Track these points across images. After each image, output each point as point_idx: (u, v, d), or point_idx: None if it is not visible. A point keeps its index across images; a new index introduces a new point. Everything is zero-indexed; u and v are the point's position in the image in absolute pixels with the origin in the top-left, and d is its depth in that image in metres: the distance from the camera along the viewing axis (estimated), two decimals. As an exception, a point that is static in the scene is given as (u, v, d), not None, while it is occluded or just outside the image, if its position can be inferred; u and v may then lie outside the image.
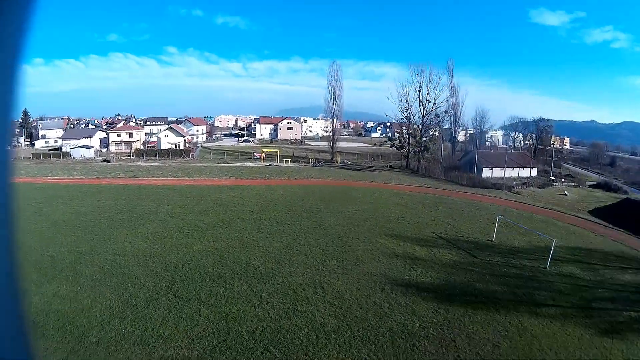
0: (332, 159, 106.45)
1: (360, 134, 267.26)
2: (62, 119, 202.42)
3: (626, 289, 30.15)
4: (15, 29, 2.29)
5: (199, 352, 18.35)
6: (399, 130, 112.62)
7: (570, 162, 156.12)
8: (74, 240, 33.22)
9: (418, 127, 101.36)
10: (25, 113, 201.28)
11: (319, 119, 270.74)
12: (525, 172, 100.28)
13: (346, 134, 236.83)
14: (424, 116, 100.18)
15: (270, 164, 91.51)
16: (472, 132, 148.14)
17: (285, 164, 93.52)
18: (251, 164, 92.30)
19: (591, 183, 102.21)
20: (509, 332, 20.89)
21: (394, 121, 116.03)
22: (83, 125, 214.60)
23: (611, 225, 53.83)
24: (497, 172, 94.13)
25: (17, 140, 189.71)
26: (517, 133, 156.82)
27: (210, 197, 51.48)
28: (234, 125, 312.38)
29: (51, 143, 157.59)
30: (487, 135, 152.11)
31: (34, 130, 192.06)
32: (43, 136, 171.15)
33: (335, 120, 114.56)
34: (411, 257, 30.88)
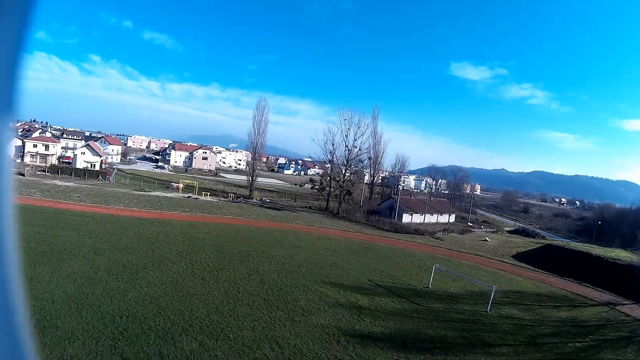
0: (250, 195, 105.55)
1: (272, 170, 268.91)
2: None
3: (565, 324, 34.80)
4: (14, 28, 2.17)
5: None
6: (319, 172, 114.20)
7: (483, 208, 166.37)
8: None
9: (341, 170, 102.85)
10: None
11: (232, 150, 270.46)
12: (443, 219, 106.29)
13: (258, 168, 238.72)
14: (348, 161, 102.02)
15: (188, 196, 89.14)
16: (385, 174, 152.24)
17: (203, 197, 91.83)
18: (169, 194, 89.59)
19: (509, 229, 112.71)
20: (474, 373, 21.17)
21: (308, 159, 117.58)
22: None
23: (536, 269, 60.44)
24: (417, 218, 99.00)
25: None
26: (432, 179, 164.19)
27: (133, 231, 48.59)
28: (147, 147, 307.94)
29: None
30: (400, 179, 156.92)
31: None
32: None
33: (256, 155, 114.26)
34: (355, 307, 30.72)
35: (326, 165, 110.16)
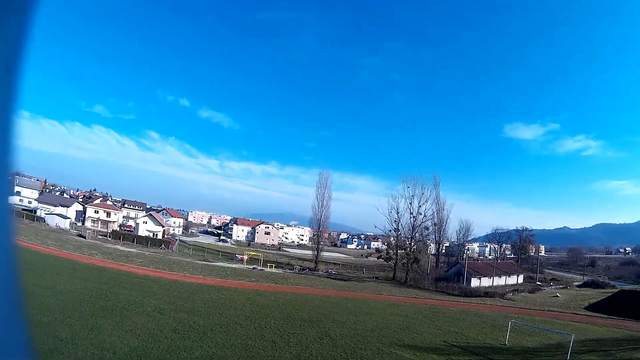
0: (316, 267, 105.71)
1: (335, 244, 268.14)
2: (38, 180, 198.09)
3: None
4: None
5: None
6: (386, 242, 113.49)
7: (550, 267, 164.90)
8: (51, 321, 28.26)
9: (406, 239, 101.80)
10: None
11: (292, 226, 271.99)
12: (512, 280, 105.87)
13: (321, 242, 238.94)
14: (414, 227, 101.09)
15: (253, 268, 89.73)
16: (447, 244, 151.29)
17: (269, 269, 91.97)
18: (234, 265, 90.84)
19: (577, 283, 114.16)
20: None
21: (370, 233, 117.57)
22: (58, 193, 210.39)
23: (609, 316, 59.70)
24: (485, 282, 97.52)
25: None
26: (497, 244, 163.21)
27: (199, 296, 48.30)
28: (208, 222, 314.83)
29: (25, 202, 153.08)
30: (464, 247, 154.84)
31: None
32: (18, 193, 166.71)
33: (320, 227, 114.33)
34: (430, 369, 28.37)
35: (390, 237, 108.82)
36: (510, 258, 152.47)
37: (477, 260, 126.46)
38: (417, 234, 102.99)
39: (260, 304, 48.59)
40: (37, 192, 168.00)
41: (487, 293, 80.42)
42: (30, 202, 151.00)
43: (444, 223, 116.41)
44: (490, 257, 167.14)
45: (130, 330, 29.62)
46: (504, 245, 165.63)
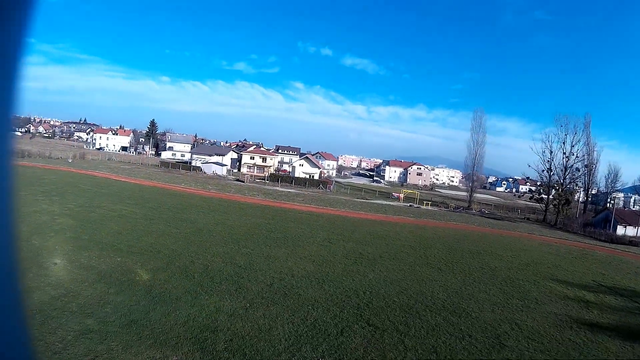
0: (469, 206, 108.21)
1: (484, 187, 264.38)
2: (188, 135, 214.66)
3: None
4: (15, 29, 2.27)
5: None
6: (536, 185, 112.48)
7: None
8: (227, 251, 32.96)
9: (560, 179, 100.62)
10: (153, 123, 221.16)
11: (442, 168, 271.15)
12: None
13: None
14: (566, 169, 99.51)
15: (410, 205, 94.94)
16: (594, 191, 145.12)
17: (425, 207, 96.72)
18: (391, 203, 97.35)
19: None
20: None
21: (532, 175, 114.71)
22: (209, 144, 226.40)
23: None
24: (630, 231, 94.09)
25: (143, 148, 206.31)
26: None
27: (363, 229, 53.39)
28: (358, 166, 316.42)
29: (178, 156, 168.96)
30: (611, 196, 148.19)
31: (160, 142, 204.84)
32: (170, 148, 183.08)
33: (474, 168, 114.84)
34: (583, 301, 31.76)
35: (542, 178, 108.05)
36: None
37: (625, 207, 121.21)
38: (568, 176, 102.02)
39: (422, 237, 53.70)
40: (189, 145, 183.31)
41: (632, 242, 79.30)
42: (183, 155, 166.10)
43: (594, 166, 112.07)
44: (635, 208, 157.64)
45: (304, 257, 34.50)
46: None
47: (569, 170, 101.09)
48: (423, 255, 41.75)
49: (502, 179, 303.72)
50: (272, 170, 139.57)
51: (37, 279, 21.02)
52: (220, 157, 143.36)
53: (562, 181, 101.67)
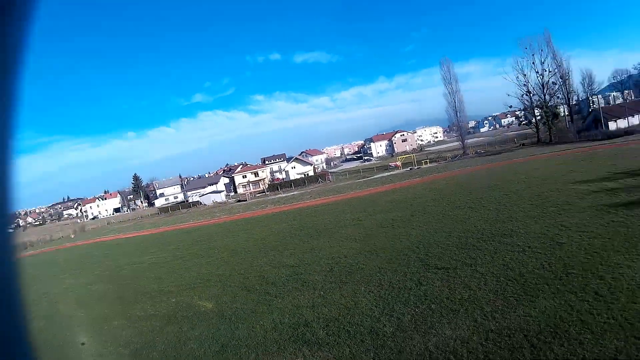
0: (465, 152, 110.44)
1: (469, 132, 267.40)
2: (174, 178, 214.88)
3: None
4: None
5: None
6: (521, 109, 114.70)
7: None
8: (271, 259, 33.29)
9: (540, 99, 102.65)
10: (136, 177, 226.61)
11: (421, 128, 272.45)
12: None
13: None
14: (543, 85, 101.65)
15: (410, 169, 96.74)
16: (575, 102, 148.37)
17: (424, 165, 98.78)
18: (392, 173, 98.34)
19: None
20: None
21: (513, 104, 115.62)
22: (197, 178, 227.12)
23: None
24: (621, 123, 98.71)
25: (135, 203, 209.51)
26: (620, 90, 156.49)
27: (382, 201, 54.34)
28: (341, 154, 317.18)
29: (171, 199, 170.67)
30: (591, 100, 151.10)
31: (149, 193, 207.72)
32: (162, 194, 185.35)
33: (458, 114, 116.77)
34: (607, 189, 33.36)
35: (524, 100, 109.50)
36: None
37: (609, 104, 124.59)
38: (547, 92, 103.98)
39: (438, 189, 55.49)
40: (178, 186, 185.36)
41: (627, 132, 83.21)
42: (176, 197, 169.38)
43: (568, 75, 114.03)
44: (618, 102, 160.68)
45: (345, 239, 35.14)
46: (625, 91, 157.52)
47: (546, 87, 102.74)
48: (448, 202, 43.16)
49: (483, 120, 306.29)
50: (266, 181, 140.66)
51: (107, 344, 21.28)
52: (214, 185, 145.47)
53: (543, 98, 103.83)
